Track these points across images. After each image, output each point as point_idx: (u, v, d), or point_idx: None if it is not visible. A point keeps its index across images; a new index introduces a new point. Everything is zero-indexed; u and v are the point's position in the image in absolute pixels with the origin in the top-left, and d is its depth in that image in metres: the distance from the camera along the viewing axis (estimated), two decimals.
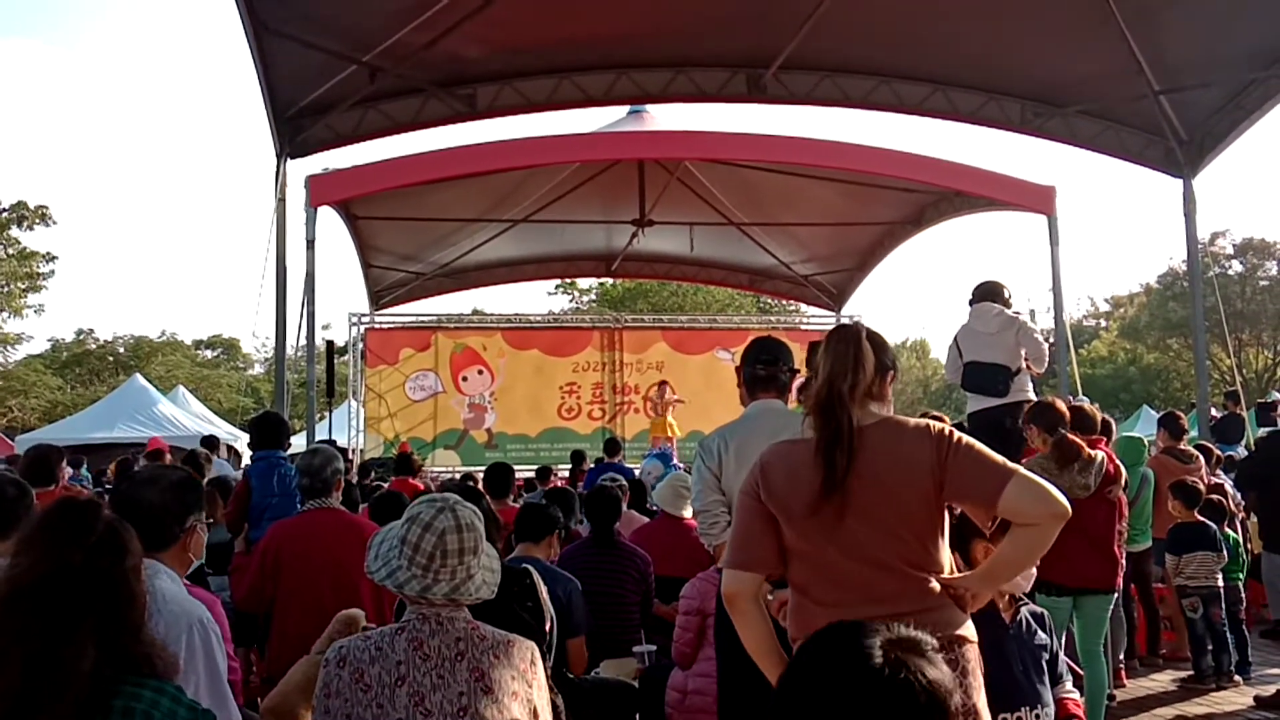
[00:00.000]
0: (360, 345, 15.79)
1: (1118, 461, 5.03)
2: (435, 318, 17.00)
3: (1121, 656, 6.18)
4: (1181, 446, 7.43)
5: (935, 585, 2.37)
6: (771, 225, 15.21)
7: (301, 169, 10.52)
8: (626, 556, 5.21)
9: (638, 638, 4.95)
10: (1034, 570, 3.03)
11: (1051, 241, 10.93)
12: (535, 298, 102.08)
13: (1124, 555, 5.05)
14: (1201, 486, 6.62)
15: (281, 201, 9.98)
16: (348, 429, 15.58)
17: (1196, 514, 6.43)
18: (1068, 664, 3.37)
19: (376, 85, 10.11)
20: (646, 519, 6.59)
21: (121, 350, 39.89)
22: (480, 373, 16.13)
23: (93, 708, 1.71)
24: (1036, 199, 10.96)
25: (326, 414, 18.44)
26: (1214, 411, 11.66)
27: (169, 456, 9.89)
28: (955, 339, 6.89)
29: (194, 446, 9.96)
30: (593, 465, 11.18)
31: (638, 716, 4.55)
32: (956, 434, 2.41)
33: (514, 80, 10.97)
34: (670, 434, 13.85)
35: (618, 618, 5.03)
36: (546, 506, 4.64)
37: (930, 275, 78.50)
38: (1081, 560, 4.65)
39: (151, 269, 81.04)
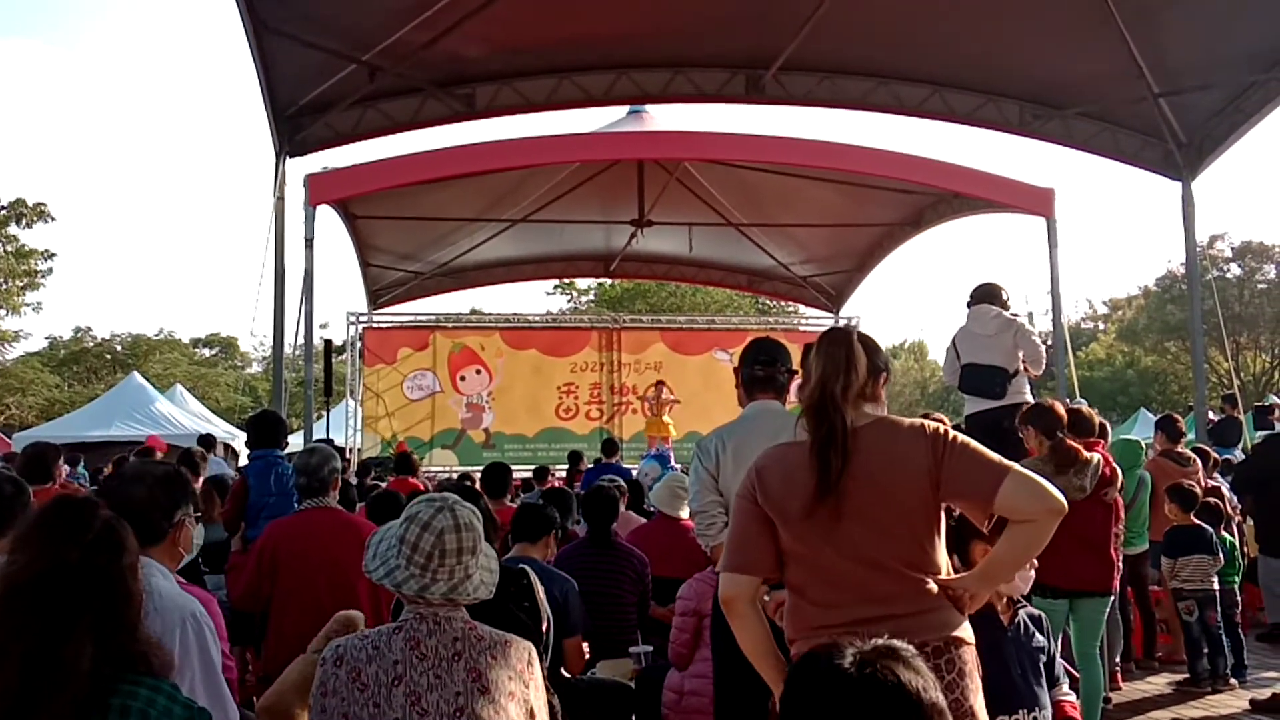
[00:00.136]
0: (358, 344, 15.75)
1: (1114, 464, 5.03)
2: (433, 317, 16.94)
3: (1118, 659, 6.18)
4: (1179, 449, 7.44)
5: (932, 586, 2.36)
6: (770, 226, 15.19)
7: (300, 168, 10.55)
8: (624, 557, 5.21)
9: (634, 638, 4.94)
10: (1033, 572, 3.04)
11: (1050, 244, 10.92)
12: (533, 298, 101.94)
13: (1120, 558, 5.04)
14: (1198, 490, 6.62)
15: (280, 200, 9.98)
16: (345, 428, 15.55)
17: (1193, 517, 6.43)
18: (1064, 666, 3.37)
19: (376, 84, 10.11)
20: (644, 520, 6.58)
21: (119, 348, 39.86)
22: (478, 372, 16.09)
23: (90, 706, 1.71)
24: (1035, 201, 10.95)
25: (324, 413, 18.49)
26: (1211, 415, 11.67)
27: (158, 456, 9.86)
28: (953, 341, 6.88)
29: (191, 445, 9.94)
30: (590, 466, 11.17)
31: (634, 717, 4.56)
32: (952, 433, 2.40)
33: (513, 80, 10.96)
34: (666, 434, 13.84)
35: (614, 618, 5.02)
36: (544, 507, 4.64)
37: (928, 277, 78.42)
38: (1078, 563, 4.64)
39: (150, 267, 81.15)
